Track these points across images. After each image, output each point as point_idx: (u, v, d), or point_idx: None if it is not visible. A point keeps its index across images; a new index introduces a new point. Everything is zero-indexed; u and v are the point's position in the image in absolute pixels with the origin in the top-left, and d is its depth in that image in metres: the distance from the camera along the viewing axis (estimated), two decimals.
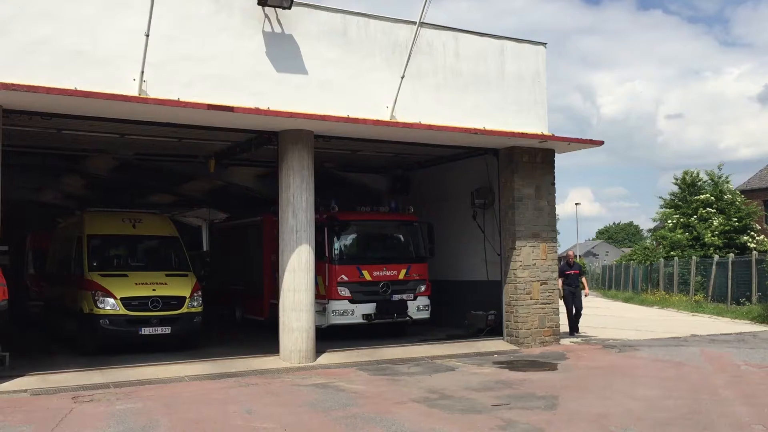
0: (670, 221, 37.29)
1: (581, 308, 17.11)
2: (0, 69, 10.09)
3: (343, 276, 14.97)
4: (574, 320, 16.93)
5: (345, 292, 14.94)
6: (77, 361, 12.53)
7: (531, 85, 14.77)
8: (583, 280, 17.46)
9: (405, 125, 13.02)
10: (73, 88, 10.44)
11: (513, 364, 12.70)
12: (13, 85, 9.90)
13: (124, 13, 10.95)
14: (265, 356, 12.99)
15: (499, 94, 14.33)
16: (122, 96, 10.76)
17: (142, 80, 10.96)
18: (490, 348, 14.34)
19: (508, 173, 15.11)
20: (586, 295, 17.55)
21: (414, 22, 13.02)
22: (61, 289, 15.67)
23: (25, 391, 10.18)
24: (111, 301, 13.13)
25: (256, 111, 11.74)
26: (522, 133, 14.25)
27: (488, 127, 13.88)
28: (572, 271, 17.04)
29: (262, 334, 15.72)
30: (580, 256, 51.45)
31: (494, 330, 15.37)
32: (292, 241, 12.82)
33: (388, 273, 15.37)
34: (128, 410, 8.93)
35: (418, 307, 15.61)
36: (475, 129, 13.68)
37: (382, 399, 9.66)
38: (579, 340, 16.01)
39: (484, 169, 15.87)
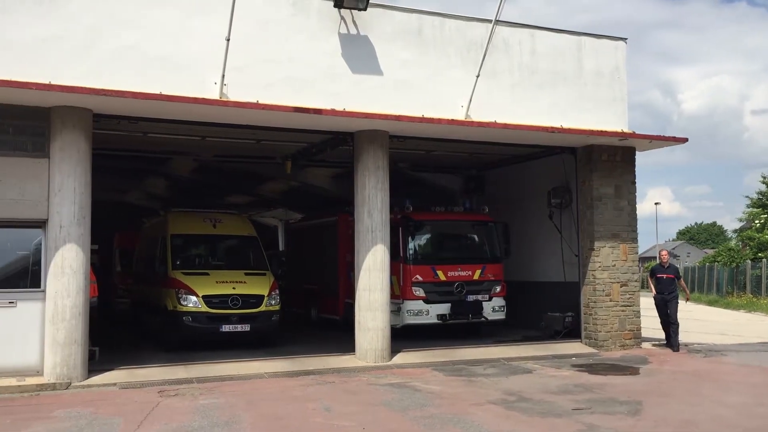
0: (757, 221, 35.74)
1: (674, 320, 14.40)
2: (90, 75, 10.52)
3: (417, 276, 14.97)
4: (668, 333, 14.59)
5: (419, 292, 14.94)
6: (162, 356, 12.97)
7: (610, 81, 14.40)
8: (682, 284, 15.26)
9: (480, 124, 12.91)
10: (158, 92, 10.79)
11: (592, 368, 12.41)
12: (103, 90, 10.33)
13: (205, 19, 11.26)
14: (341, 355, 13.12)
15: (576, 91, 14.03)
16: (204, 99, 11.07)
17: (222, 84, 11.24)
18: (567, 350, 14.06)
19: (586, 172, 14.78)
20: (686, 301, 15.65)
21: (489, 21, 12.90)
22: (146, 287, 16.28)
23: (114, 384, 10.61)
24: (193, 298, 13.55)
25: (334, 112, 11.86)
26: (601, 131, 13.91)
27: (566, 125, 13.61)
28: (664, 275, 14.69)
29: (337, 333, 15.88)
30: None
31: (572, 332, 15.05)
32: (367, 241, 12.91)
33: (463, 273, 15.27)
34: (212, 405, 9.19)
35: (493, 308, 15.45)
36: (552, 127, 13.44)
37: (458, 400, 9.60)
38: (673, 348, 14.29)
39: (561, 168, 15.57)
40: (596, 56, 14.29)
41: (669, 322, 14.51)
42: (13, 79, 9.90)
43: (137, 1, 10.96)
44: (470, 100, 12.83)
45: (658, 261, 15.62)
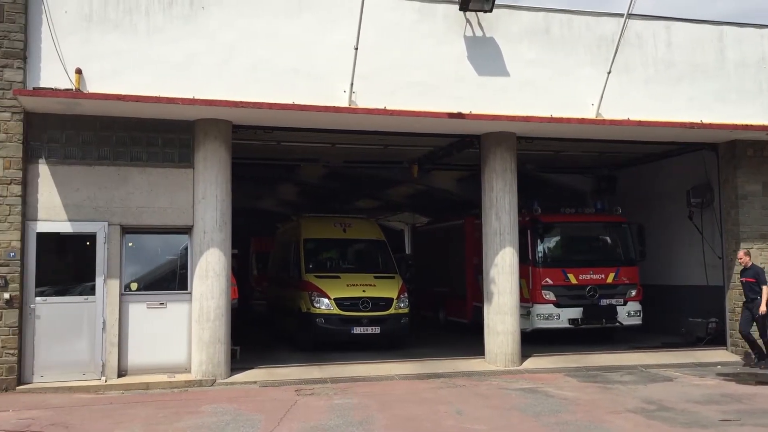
0: None
1: (765, 329, 12.54)
2: (229, 89, 11.11)
3: (547, 279, 14.66)
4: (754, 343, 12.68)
5: (550, 295, 14.62)
6: (297, 357, 13.47)
7: (755, 72, 13.46)
8: (764, 290, 12.46)
9: (612, 122, 12.47)
10: (290, 102, 11.23)
11: (740, 377, 11.65)
12: (241, 102, 10.88)
13: (334, 30, 11.57)
14: (470, 358, 13.07)
15: (717, 83, 13.23)
16: (334, 108, 11.39)
17: (351, 91, 11.52)
18: (711, 358, 13.26)
19: (730, 169, 13.92)
20: (762, 313, 12.39)
21: (620, 15, 12.43)
22: (281, 290, 16.95)
23: (255, 382, 11.13)
24: (326, 301, 13.98)
25: (461, 115, 11.85)
26: (746, 125, 13.03)
27: (706, 120, 12.86)
28: (745, 278, 12.80)
29: (466, 337, 15.84)
30: None
31: (716, 339, 14.20)
32: (495, 244, 12.79)
33: (595, 276, 14.80)
34: (346, 405, 9.43)
35: (628, 313, 14.86)
36: (691, 123, 12.74)
37: (594, 407, 9.31)
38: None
39: (701, 166, 14.75)
40: (740, 46, 13.42)
41: (759, 330, 12.62)
42: (162, 95, 10.63)
43: (270, 17, 11.45)
44: (601, 98, 12.42)
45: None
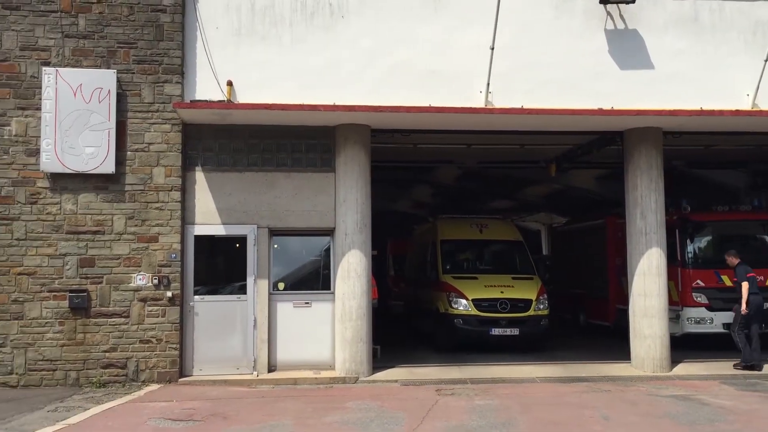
0: None
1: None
2: (368, 93, 11.41)
3: (698, 281, 13.88)
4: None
5: (701, 298, 13.83)
6: (435, 357, 13.57)
7: None
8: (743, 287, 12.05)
9: None
10: (427, 105, 11.35)
11: None
12: (379, 107, 11.13)
13: (470, 30, 11.58)
14: (615, 362, 12.62)
15: None
16: (471, 108, 11.40)
17: (488, 92, 11.48)
18: None
19: None
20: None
21: None
22: (418, 290, 17.14)
23: (396, 381, 11.33)
24: (464, 302, 14.00)
25: (602, 112, 11.51)
26: None
27: None
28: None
29: (608, 340, 15.31)
30: None
31: None
32: (640, 244, 12.27)
33: (758, 278, 13.80)
34: (487, 406, 9.40)
35: None
36: None
37: (755, 417, 8.72)
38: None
39: None
40: None
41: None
42: (305, 102, 11.10)
43: (407, 21, 11.64)
44: (757, 88, 11.62)
45: None
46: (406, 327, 18.72)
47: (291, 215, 11.81)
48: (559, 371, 12.03)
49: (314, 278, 12.19)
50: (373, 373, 11.66)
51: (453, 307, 14.05)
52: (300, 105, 11.05)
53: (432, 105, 11.33)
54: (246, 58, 11.37)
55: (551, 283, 18.71)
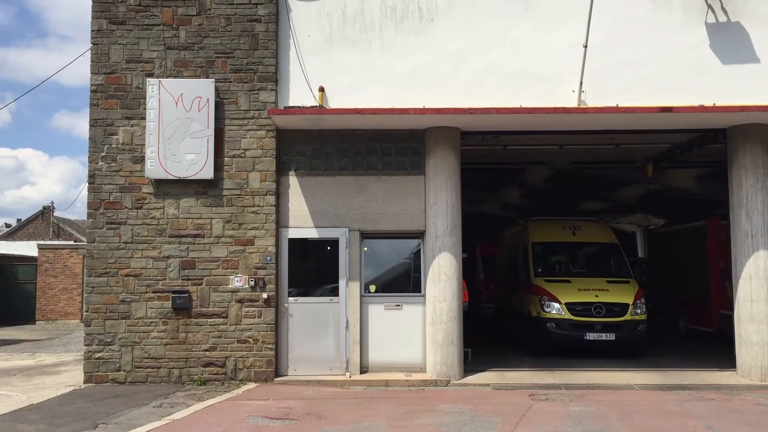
0: None
1: None
2: (457, 96, 11.39)
3: None
4: None
5: None
6: (527, 361, 13.37)
7: None
8: None
9: None
10: (518, 106, 11.22)
11: None
12: (470, 109, 11.09)
13: (562, 29, 11.39)
14: (718, 370, 12.08)
15: None
16: (563, 109, 11.18)
17: (581, 91, 11.24)
18: None
19: None
20: None
21: None
22: (509, 293, 16.94)
23: (488, 385, 11.24)
24: (556, 305, 13.72)
25: (703, 109, 11.05)
26: None
27: None
28: None
29: (709, 346, 14.69)
30: None
31: None
32: (746, 247, 11.69)
33: None
34: (583, 413, 9.18)
35: None
36: None
37: None
38: None
39: None
40: None
41: None
42: (395, 106, 11.19)
43: (497, 23, 11.55)
44: None
45: None
46: (496, 330, 18.54)
47: (381, 218, 11.92)
48: (658, 378, 11.61)
49: (404, 281, 12.25)
50: (464, 377, 11.61)
51: (545, 311, 13.80)
52: (390, 109, 11.15)
53: (523, 106, 11.19)
54: (337, 64, 11.58)
55: (648, 287, 18.11)
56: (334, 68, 11.60)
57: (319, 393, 10.63)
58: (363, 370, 11.72)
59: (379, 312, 11.91)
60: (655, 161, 15.24)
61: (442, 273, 11.66)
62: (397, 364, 11.79)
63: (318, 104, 11.32)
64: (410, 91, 11.48)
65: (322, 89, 11.38)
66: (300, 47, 11.60)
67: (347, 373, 11.57)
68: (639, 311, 13.71)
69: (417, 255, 12.15)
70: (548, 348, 13.97)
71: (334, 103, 11.46)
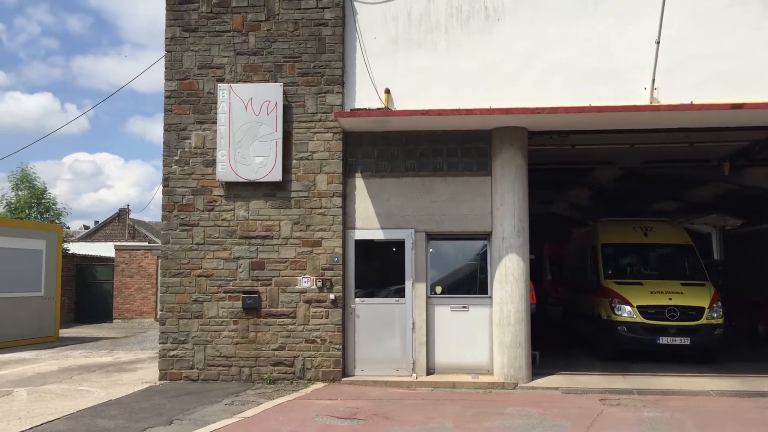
0: None
1: None
2: (524, 96, 11.26)
3: None
4: None
5: None
6: (598, 365, 13.10)
7: None
8: None
9: None
10: (587, 105, 11.01)
11: None
12: (537, 108, 10.95)
13: (633, 26, 11.12)
14: None
15: None
16: (634, 107, 10.91)
17: (653, 88, 10.96)
18: None
19: None
20: None
21: None
22: (577, 295, 16.62)
23: (556, 388, 11.06)
24: (628, 308, 13.39)
25: None
26: None
27: None
28: None
29: None
30: None
31: None
32: None
33: None
34: (657, 419, 8.93)
35: None
36: None
37: None
38: None
39: None
40: None
41: None
42: (461, 107, 11.15)
43: (565, 20, 11.37)
44: None
45: None
46: (564, 333, 18.22)
47: (447, 219, 11.89)
48: (736, 384, 11.19)
49: (471, 282, 12.18)
50: (532, 380, 11.46)
51: (616, 314, 13.49)
52: (456, 110, 11.11)
53: (592, 105, 10.98)
54: (402, 65, 11.62)
55: (724, 290, 17.47)
56: (399, 70, 11.64)
57: (386, 394, 10.68)
58: (429, 371, 11.71)
59: (446, 313, 11.88)
60: (732, 159, 14.72)
61: (509, 275, 11.55)
62: (463, 366, 11.74)
63: (384, 106, 11.39)
64: (476, 92, 11.42)
65: (387, 91, 11.43)
66: (366, 50, 11.69)
67: (414, 375, 11.59)
68: (715, 315, 13.24)
69: (483, 256, 12.06)
70: (619, 352, 13.64)
71: (399, 105, 11.50)
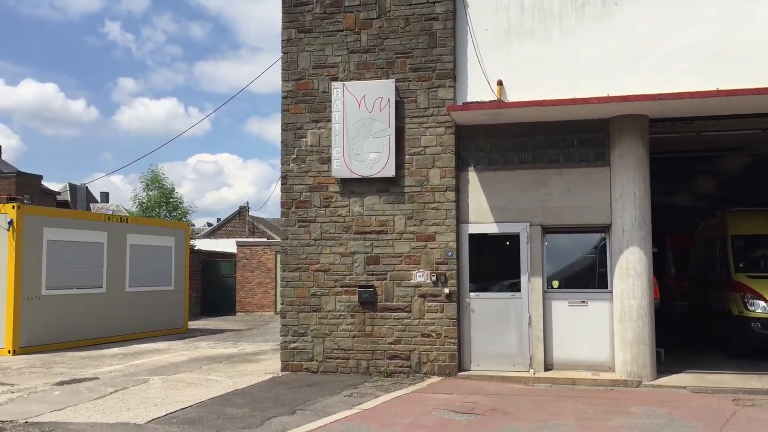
0: None
1: None
2: (643, 82, 10.81)
3: None
4: None
5: None
6: (728, 363, 12.40)
7: None
8: None
9: None
10: (714, 89, 10.43)
11: None
12: (658, 95, 10.46)
13: (765, 5, 10.42)
14: None
15: None
16: (767, 89, 10.22)
17: None
18: None
19: None
20: None
21: None
22: (704, 290, 15.79)
23: (684, 387, 10.55)
24: (762, 304, 12.59)
25: None
26: None
27: None
28: None
29: None
30: None
31: None
32: None
33: None
34: None
35: None
36: None
37: None
38: None
39: None
40: None
41: None
42: (577, 96, 10.84)
43: (688, 1, 10.81)
44: None
45: None
46: (690, 328, 17.35)
47: (563, 212, 11.61)
48: None
49: (589, 276, 11.83)
50: (657, 378, 11.00)
51: (749, 310, 12.69)
52: (572, 99, 10.81)
53: (719, 88, 10.39)
54: (515, 56, 11.44)
55: None
56: (511, 61, 11.47)
57: (503, 389, 10.57)
58: (547, 367, 11.48)
59: (563, 308, 11.61)
60: None
61: (631, 268, 11.12)
62: (582, 362, 11.43)
63: (497, 98, 11.25)
64: (592, 80, 11.09)
65: (500, 83, 11.29)
66: (477, 42, 11.59)
67: (531, 370, 11.40)
68: None
69: (602, 249, 11.69)
70: (751, 350, 12.84)
71: (512, 97, 11.33)
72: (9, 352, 15.15)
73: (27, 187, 37.12)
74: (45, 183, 45.01)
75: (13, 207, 15.64)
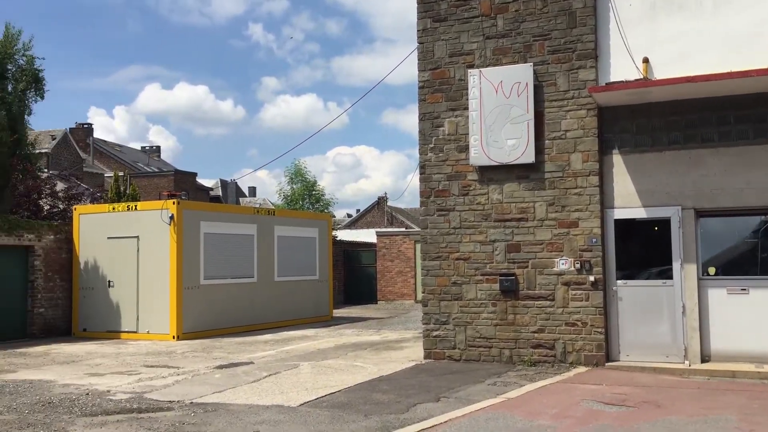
0: None
1: None
2: None
3: None
4: None
5: None
6: None
7: None
8: None
9: None
10: None
11: None
12: None
13: None
14: None
15: None
16: None
17: None
18: None
19: None
20: None
21: None
22: None
23: None
24: None
25: None
26: None
27: None
28: None
29: None
30: None
31: None
32: None
33: None
34: None
35: None
36: None
37: None
38: None
39: None
40: None
41: None
42: (732, 69, 10.10)
43: None
44: None
45: None
46: None
47: (720, 194, 10.88)
48: None
49: (749, 262, 11.03)
50: None
51: None
52: (728, 73, 10.09)
53: None
54: (662, 31, 10.85)
55: None
56: (658, 36, 10.89)
57: (655, 381, 10.11)
58: (704, 359, 10.84)
59: (721, 297, 10.90)
60: None
61: None
62: (743, 353, 10.69)
63: (643, 77, 10.73)
64: (749, 52, 10.35)
65: (646, 60, 10.75)
66: (620, 19, 11.09)
67: (686, 362, 10.81)
68: None
69: (764, 233, 10.85)
70: None
71: (659, 74, 10.75)
72: (173, 337, 16.39)
73: (184, 184, 39.89)
74: (199, 180, 48.17)
75: (174, 203, 16.86)
